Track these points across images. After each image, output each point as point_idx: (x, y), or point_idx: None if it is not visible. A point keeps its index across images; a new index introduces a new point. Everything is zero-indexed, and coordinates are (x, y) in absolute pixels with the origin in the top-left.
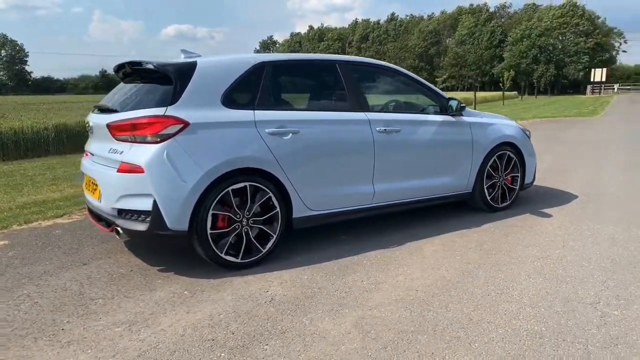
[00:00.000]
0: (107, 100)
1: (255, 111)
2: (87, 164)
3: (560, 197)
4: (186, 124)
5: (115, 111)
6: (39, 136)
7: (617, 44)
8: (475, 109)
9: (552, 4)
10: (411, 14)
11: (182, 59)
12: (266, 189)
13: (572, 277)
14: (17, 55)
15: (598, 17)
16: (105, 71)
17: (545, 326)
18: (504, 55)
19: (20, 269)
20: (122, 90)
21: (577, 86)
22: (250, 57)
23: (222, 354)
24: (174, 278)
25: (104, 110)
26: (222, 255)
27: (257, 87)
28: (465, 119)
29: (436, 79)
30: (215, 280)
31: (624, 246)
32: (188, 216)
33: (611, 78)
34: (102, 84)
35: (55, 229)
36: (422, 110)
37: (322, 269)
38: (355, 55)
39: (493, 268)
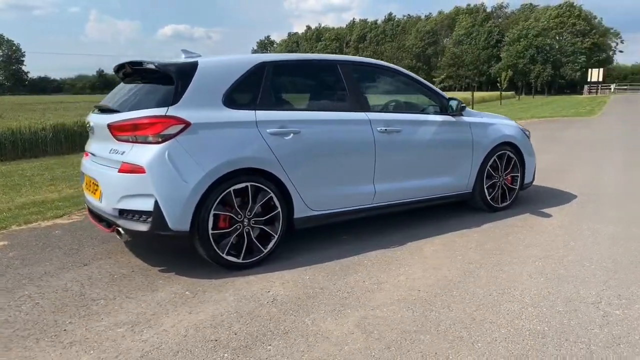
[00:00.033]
0: (107, 100)
1: (257, 111)
2: (87, 164)
3: (560, 197)
4: (187, 124)
5: (116, 111)
6: (37, 136)
7: (613, 44)
8: (473, 108)
9: (549, 4)
10: (408, 14)
11: (182, 58)
12: (267, 189)
13: (573, 276)
14: (14, 55)
15: (595, 17)
16: (103, 71)
17: (547, 326)
18: (501, 55)
19: (20, 270)
20: (123, 90)
21: (574, 86)
22: (251, 57)
23: (225, 355)
24: (175, 278)
25: (104, 110)
26: (224, 255)
27: (258, 87)
28: (466, 119)
29: (434, 79)
30: (217, 281)
31: (624, 246)
32: (190, 216)
33: (608, 78)
34: (99, 84)
35: (54, 230)
36: (423, 110)
37: (324, 269)
38: (353, 55)
39: (494, 268)
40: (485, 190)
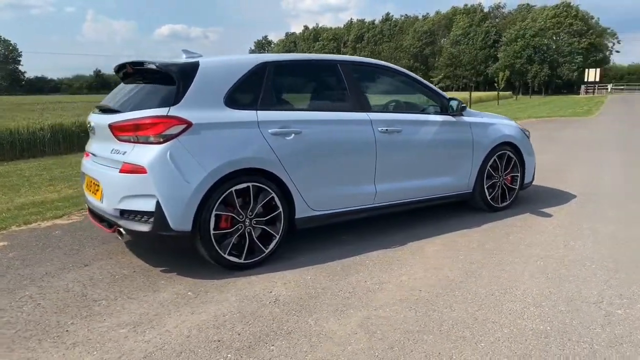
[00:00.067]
0: (108, 100)
1: (258, 111)
2: (88, 165)
3: (559, 197)
4: (189, 125)
5: (117, 111)
6: (35, 136)
7: (610, 44)
8: (470, 108)
9: (546, 5)
10: (406, 14)
11: (183, 59)
12: (269, 190)
13: (574, 276)
14: (11, 55)
15: (592, 18)
16: (100, 71)
17: (550, 325)
18: (498, 56)
19: (21, 270)
20: (123, 90)
21: (571, 86)
22: (253, 57)
23: (229, 355)
24: (176, 279)
25: (105, 110)
26: (225, 255)
27: (259, 87)
28: (466, 119)
29: (431, 79)
30: (219, 281)
31: (625, 245)
32: (191, 217)
33: (605, 78)
34: (97, 84)
35: (54, 230)
36: (423, 110)
37: (326, 269)
38: (351, 55)
39: (496, 268)
40: (486, 190)
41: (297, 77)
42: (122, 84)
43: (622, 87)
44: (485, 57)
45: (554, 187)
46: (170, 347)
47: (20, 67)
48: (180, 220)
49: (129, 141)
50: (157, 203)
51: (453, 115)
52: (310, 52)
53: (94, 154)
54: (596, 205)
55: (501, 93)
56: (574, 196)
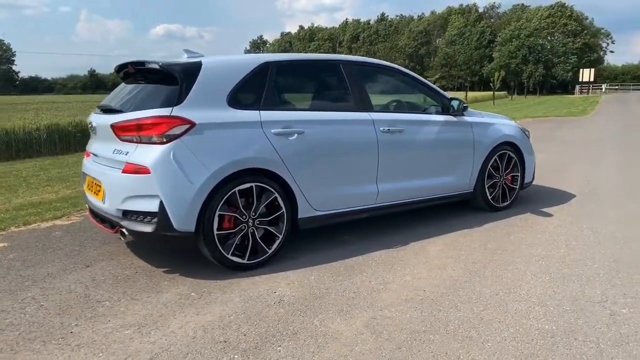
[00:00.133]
0: (109, 100)
1: (261, 111)
2: (89, 165)
3: (559, 197)
4: (192, 125)
5: (118, 111)
6: (31, 137)
7: (604, 45)
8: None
9: (540, 5)
10: (401, 14)
11: (185, 58)
12: (272, 190)
13: (577, 275)
14: (4, 55)
15: (586, 18)
16: (94, 71)
17: (555, 325)
18: (493, 56)
19: (22, 272)
20: (124, 90)
21: (566, 86)
22: (255, 57)
23: (236, 356)
24: (179, 280)
25: (106, 110)
26: (229, 256)
27: (262, 87)
28: (467, 118)
29: (427, 79)
30: (222, 282)
31: (626, 245)
32: (195, 217)
33: (599, 78)
34: (91, 84)
35: (54, 231)
36: (424, 110)
37: (329, 270)
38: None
39: (499, 267)
40: (487, 190)
41: (300, 77)
42: (122, 84)
43: (616, 87)
44: (480, 57)
45: (553, 187)
46: (176, 348)
47: (14, 67)
48: (183, 220)
49: (132, 141)
50: (161, 203)
51: (454, 115)
52: (305, 52)
53: (95, 154)
54: (596, 205)
55: (496, 93)
56: (574, 196)
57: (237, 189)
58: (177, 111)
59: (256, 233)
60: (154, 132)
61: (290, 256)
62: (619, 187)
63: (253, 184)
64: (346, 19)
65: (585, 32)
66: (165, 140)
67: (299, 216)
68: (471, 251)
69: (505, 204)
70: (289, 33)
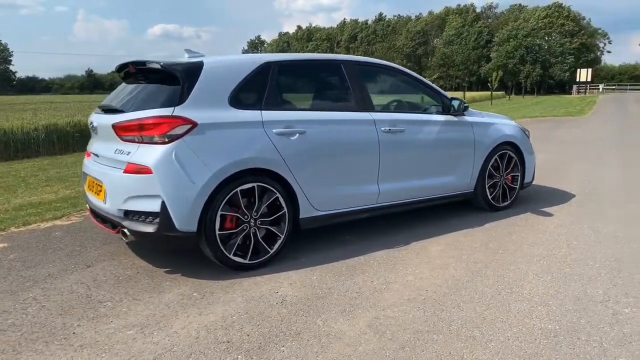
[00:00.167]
0: (110, 100)
1: (263, 111)
2: (90, 165)
3: (559, 196)
4: (194, 125)
5: (120, 111)
6: (29, 137)
7: (601, 45)
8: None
9: (538, 5)
10: (399, 14)
11: (186, 58)
12: (273, 190)
13: (579, 275)
14: (1, 55)
15: (583, 18)
16: (92, 71)
17: (558, 325)
18: (491, 56)
19: (23, 272)
20: (125, 90)
21: (563, 86)
22: (257, 56)
23: (239, 356)
24: (181, 280)
25: (108, 110)
26: (231, 256)
27: (263, 87)
28: (467, 118)
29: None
30: (224, 282)
31: (626, 244)
32: (197, 217)
33: (596, 78)
34: (88, 84)
35: (54, 231)
36: (425, 110)
37: (331, 270)
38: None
39: (500, 267)
40: (487, 190)
41: (301, 77)
42: (123, 84)
43: (613, 87)
44: (478, 57)
45: (553, 187)
46: (179, 349)
47: (11, 67)
48: (185, 220)
49: (133, 141)
50: (163, 203)
51: (455, 115)
52: (303, 52)
53: (96, 154)
54: (596, 205)
55: (494, 93)
56: (574, 195)
57: (239, 189)
58: (178, 111)
59: (258, 233)
60: (156, 132)
61: (292, 256)
62: (619, 186)
63: (255, 184)
64: (344, 19)
65: (582, 32)
66: (167, 140)
67: (301, 216)
68: (472, 251)
69: (506, 203)
70: (286, 33)
